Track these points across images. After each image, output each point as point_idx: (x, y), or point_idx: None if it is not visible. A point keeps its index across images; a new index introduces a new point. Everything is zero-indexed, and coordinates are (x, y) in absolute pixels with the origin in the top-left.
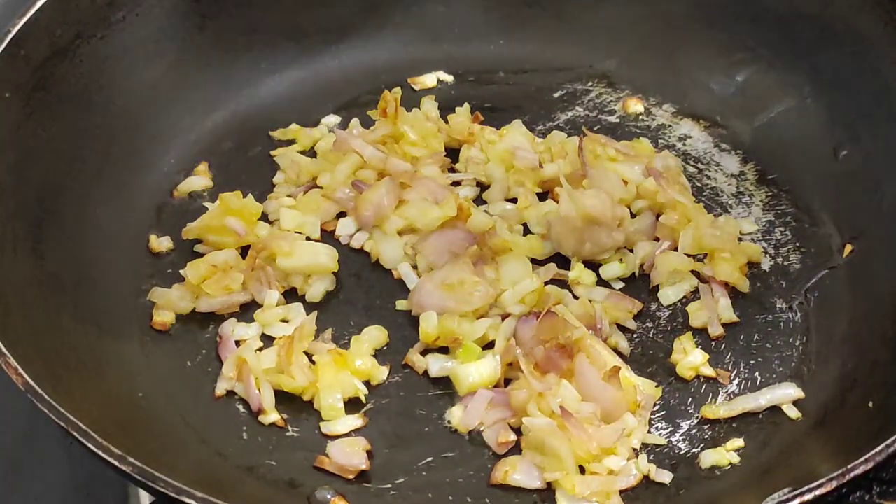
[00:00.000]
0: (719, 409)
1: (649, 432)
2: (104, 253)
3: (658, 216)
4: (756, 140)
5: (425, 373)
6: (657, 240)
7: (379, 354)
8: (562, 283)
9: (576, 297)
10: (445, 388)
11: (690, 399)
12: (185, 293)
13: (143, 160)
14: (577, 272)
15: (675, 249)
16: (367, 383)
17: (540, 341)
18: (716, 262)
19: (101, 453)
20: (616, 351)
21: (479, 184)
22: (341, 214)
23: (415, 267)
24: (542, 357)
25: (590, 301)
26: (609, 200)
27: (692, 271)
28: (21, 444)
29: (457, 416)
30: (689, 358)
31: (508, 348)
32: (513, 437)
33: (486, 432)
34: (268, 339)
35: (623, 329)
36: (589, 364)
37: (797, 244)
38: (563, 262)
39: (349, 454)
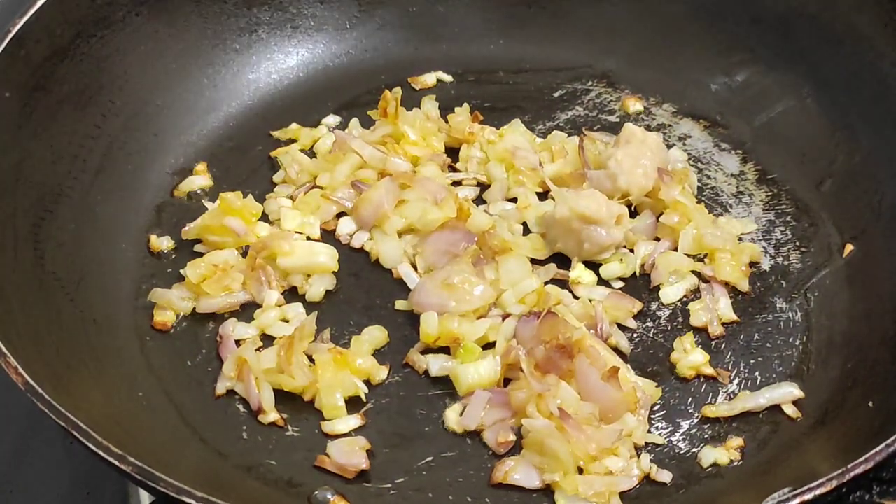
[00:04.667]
0: (719, 408)
1: (649, 432)
2: (104, 252)
3: (658, 216)
4: (756, 140)
5: (425, 372)
6: (658, 240)
7: (379, 354)
8: (562, 283)
9: (576, 298)
10: (445, 388)
11: (690, 399)
12: (186, 293)
13: (143, 160)
14: (578, 272)
15: (676, 249)
16: (367, 383)
17: (540, 342)
18: (716, 262)
19: (101, 453)
20: (616, 350)
21: (479, 184)
22: (341, 214)
23: (415, 267)
24: (542, 357)
25: (590, 301)
26: (604, 199)
27: (693, 271)
28: (21, 444)
29: (452, 418)
30: (690, 357)
31: (508, 349)
32: (512, 437)
33: (486, 433)
34: (268, 339)
35: (623, 328)
36: (589, 364)
37: (797, 244)
38: (563, 261)
39: (349, 453)
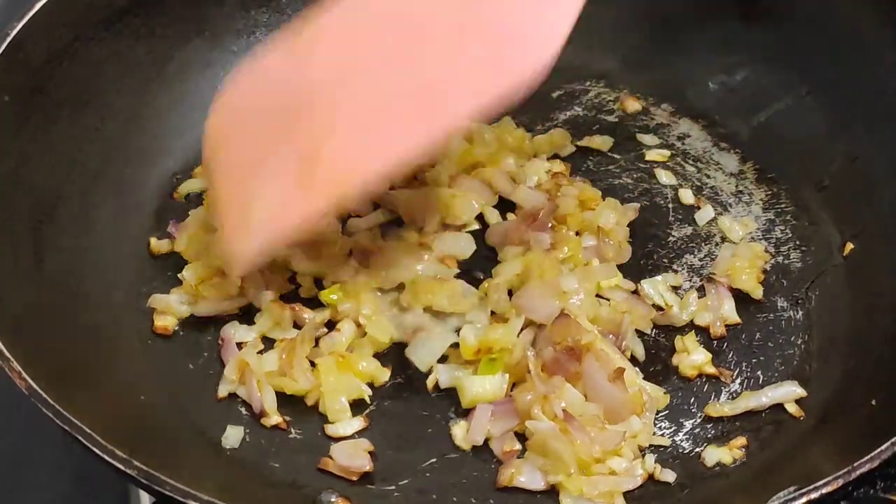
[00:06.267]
0: (722, 407)
1: (654, 434)
2: (105, 256)
3: None
4: (755, 139)
5: (428, 374)
6: None
7: (380, 356)
8: None
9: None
10: (448, 390)
11: (693, 398)
12: (185, 297)
13: (142, 162)
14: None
15: None
16: (369, 385)
17: (551, 343)
18: (733, 270)
19: (105, 457)
20: (632, 357)
21: None
22: None
23: None
24: (550, 359)
25: (612, 305)
26: None
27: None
28: (21, 445)
29: (459, 435)
30: (692, 357)
31: (522, 360)
32: (518, 446)
33: (493, 442)
34: (270, 341)
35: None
36: (598, 366)
37: (797, 242)
38: None
39: (352, 456)
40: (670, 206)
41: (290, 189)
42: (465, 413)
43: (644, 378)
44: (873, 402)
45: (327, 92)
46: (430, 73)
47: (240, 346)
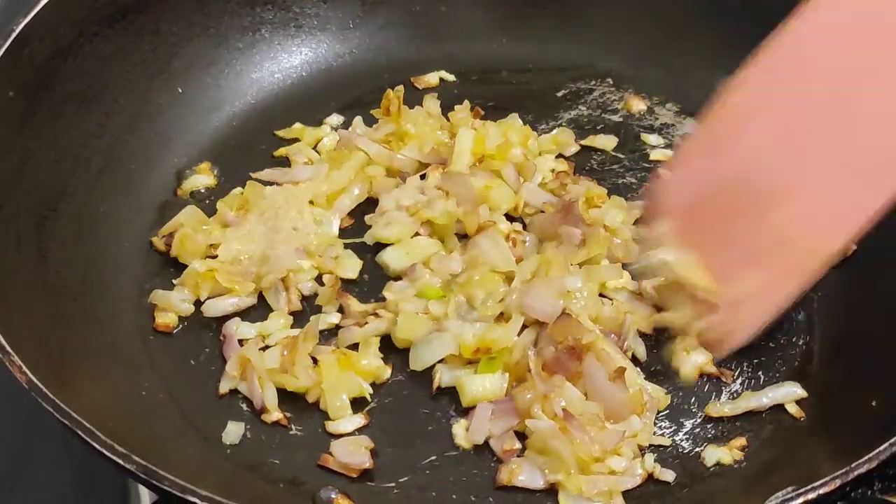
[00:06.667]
0: (723, 407)
1: (654, 433)
2: (108, 251)
3: None
4: None
5: (428, 371)
6: None
7: (381, 352)
8: None
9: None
10: (448, 388)
11: (694, 398)
12: (186, 295)
13: (146, 159)
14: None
15: None
16: (371, 382)
17: (552, 342)
18: None
19: (105, 451)
20: (633, 357)
21: None
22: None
23: None
24: (551, 358)
25: (615, 305)
26: None
27: None
28: (21, 444)
29: (460, 434)
30: (693, 357)
31: (522, 359)
32: (517, 445)
33: (493, 441)
34: None
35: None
36: (599, 365)
37: None
38: None
39: (353, 453)
40: None
41: (771, 273)
42: (466, 411)
43: (645, 378)
44: (873, 404)
45: (774, 165)
46: (867, 134)
47: (241, 342)
